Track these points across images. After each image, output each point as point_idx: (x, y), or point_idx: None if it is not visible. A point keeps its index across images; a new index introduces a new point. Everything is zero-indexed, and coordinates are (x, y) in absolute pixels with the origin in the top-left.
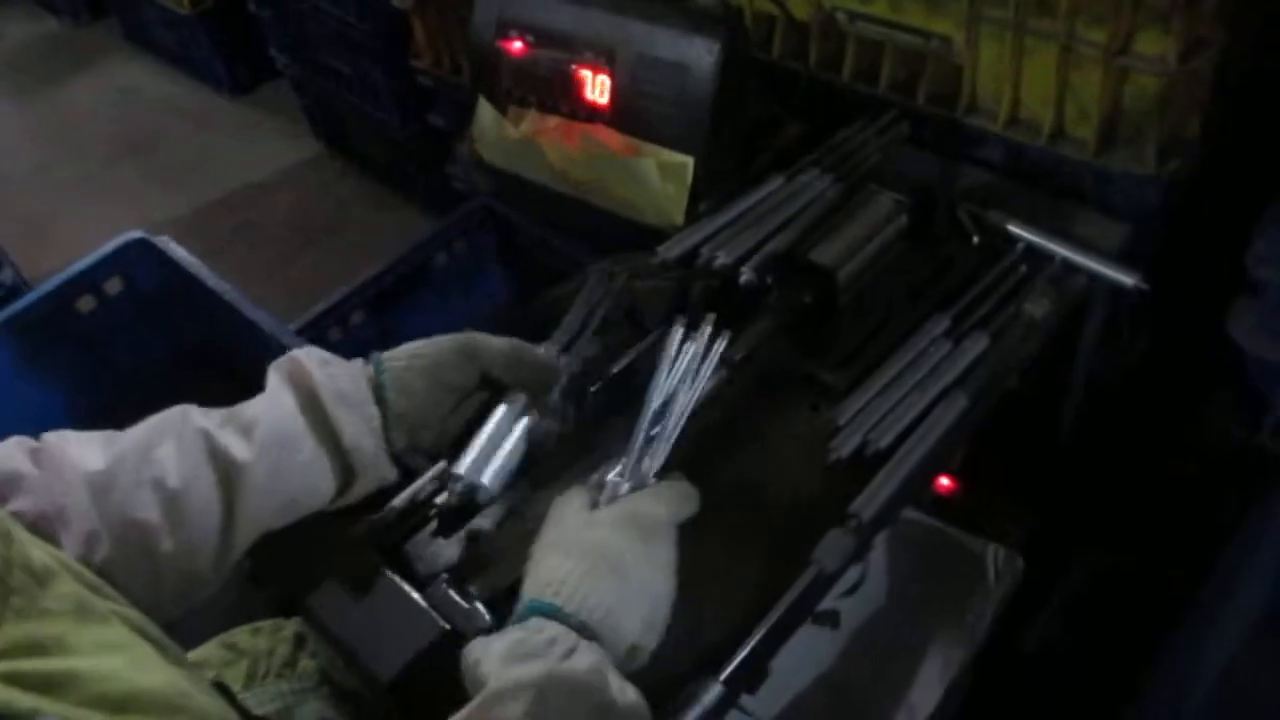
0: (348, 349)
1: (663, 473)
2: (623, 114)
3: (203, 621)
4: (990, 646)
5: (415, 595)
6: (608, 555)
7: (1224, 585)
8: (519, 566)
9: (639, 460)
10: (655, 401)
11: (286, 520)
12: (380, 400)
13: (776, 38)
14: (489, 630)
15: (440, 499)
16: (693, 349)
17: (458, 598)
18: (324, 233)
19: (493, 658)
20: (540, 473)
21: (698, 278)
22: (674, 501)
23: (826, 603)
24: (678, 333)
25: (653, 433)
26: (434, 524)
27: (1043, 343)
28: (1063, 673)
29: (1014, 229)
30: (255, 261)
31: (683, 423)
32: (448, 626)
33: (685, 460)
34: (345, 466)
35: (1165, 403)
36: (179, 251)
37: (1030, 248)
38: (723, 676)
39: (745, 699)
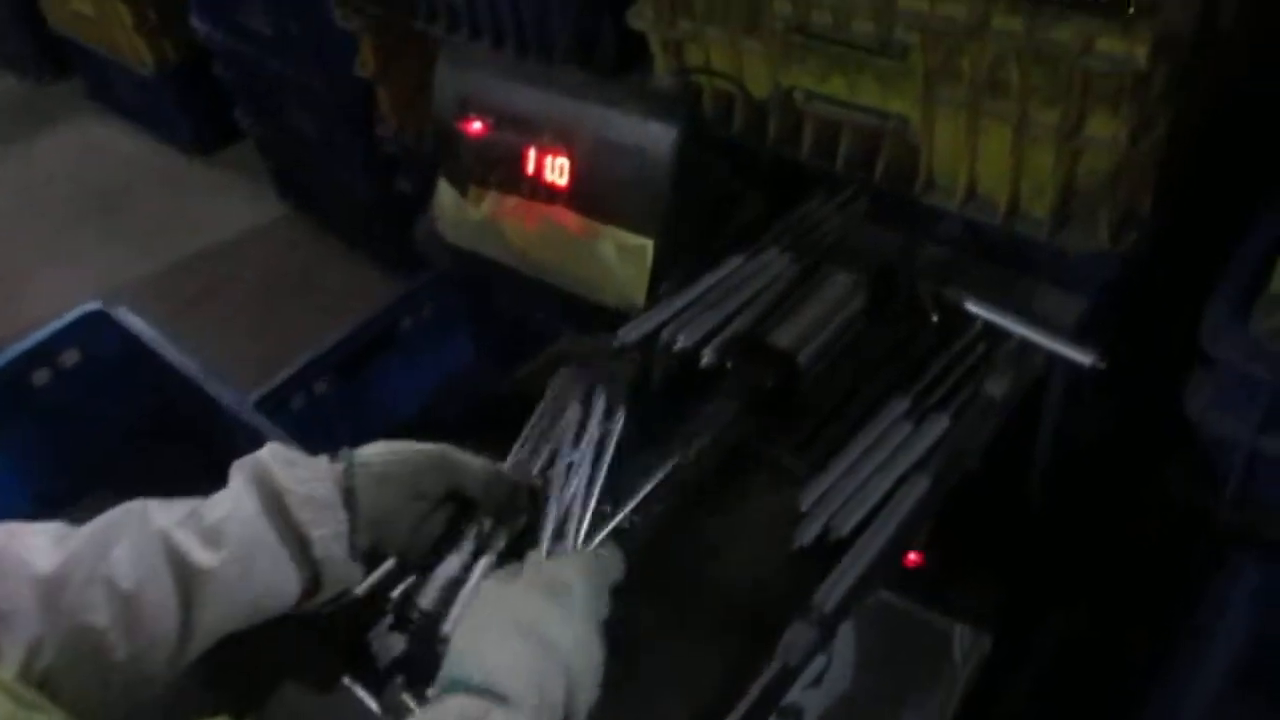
0: (312, 417)
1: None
2: (582, 196)
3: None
4: None
5: (372, 704)
6: (515, 618)
7: (1192, 650)
8: None
9: (556, 537)
10: (559, 478)
11: (248, 624)
12: (349, 504)
13: (736, 114)
14: None
15: (398, 591)
16: (593, 423)
17: (412, 702)
18: (290, 294)
19: None
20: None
21: (658, 363)
22: (586, 562)
23: (791, 695)
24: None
25: (569, 509)
26: (391, 617)
27: (1002, 422)
28: None
29: (971, 307)
30: (221, 323)
31: (595, 494)
32: None
33: (644, 547)
34: (312, 573)
35: (1126, 469)
36: (137, 323)
37: (988, 325)
38: None
39: None
